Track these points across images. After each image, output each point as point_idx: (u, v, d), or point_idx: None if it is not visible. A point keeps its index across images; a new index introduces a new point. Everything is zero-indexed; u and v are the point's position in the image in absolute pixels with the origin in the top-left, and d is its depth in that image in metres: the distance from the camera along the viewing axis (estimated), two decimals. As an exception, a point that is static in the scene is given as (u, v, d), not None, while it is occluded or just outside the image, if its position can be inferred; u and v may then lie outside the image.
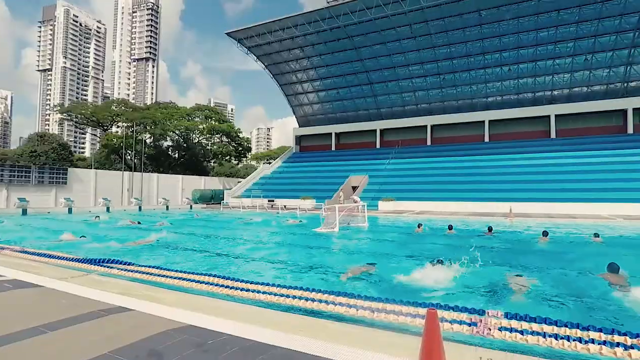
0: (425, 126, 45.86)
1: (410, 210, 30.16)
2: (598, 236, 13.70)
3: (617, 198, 26.22)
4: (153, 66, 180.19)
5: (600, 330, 4.11)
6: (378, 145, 48.50)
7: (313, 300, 5.72)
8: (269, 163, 60.01)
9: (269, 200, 36.77)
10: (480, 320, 4.48)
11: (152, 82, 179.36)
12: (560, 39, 37.20)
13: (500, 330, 4.28)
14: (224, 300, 5.78)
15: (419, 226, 17.52)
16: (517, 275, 7.88)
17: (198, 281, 6.74)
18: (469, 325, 4.46)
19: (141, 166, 44.72)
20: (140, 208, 33.59)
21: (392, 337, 4.10)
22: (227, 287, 6.32)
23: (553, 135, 39.29)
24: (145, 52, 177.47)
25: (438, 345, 2.58)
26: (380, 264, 9.38)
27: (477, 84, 43.60)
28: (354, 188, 38.35)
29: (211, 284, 6.51)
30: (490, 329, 4.27)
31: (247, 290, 6.18)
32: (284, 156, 54.25)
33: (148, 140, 60.51)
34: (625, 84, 38.16)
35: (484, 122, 42.56)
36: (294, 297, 5.88)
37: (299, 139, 55.26)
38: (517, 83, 42.01)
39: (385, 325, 4.85)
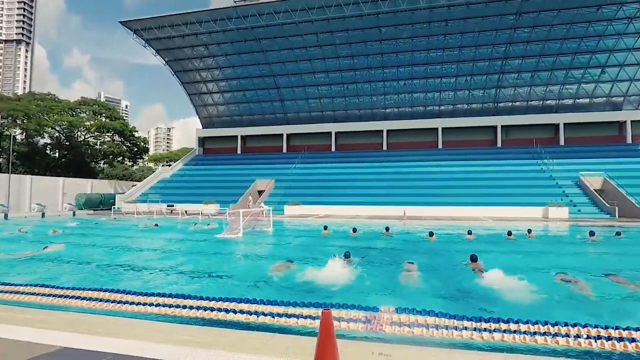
0: (330, 132, 47.64)
1: (315, 214, 30.93)
2: (470, 233, 16.17)
3: (489, 202, 30.37)
4: (27, 50, 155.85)
5: (471, 319, 4.65)
6: (285, 150, 48.87)
7: (212, 309, 5.46)
8: (169, 165, 56.27)
9: (168, 205, 34.37)
10: (374, 317, 4.74)
11: (25, 69, 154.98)
12: (446, 61, 41.97)
13: (391, 325, 4.58)
14: (107, 316, 5.17)
15: (325, 228, 18.17)
16: (409, 263, 9.56)
17: (76, 297, 5.93)
18: (364, 322, 4.69)
19: (8, 166, 38.14)
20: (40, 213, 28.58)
21: (290, 341, 4.09)
22: (110, 301, 5.68)
23: (440, 145, 44.01)
24: (17, 34, 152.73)
25: (332, 345, 2.63)
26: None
27: (377, 95, 46.78)
28: (260, 192, 38.00)
29: (91, 299, 5.78)
30: (382, 325, 4.53)
31: (136, 303, 5.63)
32: (185, 158, 51.36)
33: (19, 137, 52.01)
34: (496, 104, 44.62)
35: (382, 131, 45.82)
36: (192, 307, 5.53)
37: (202, 141, 52.88)
38: (411, 97, 46.18)
39: (287, 328, 4.83)
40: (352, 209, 31.53)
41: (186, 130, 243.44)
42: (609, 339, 4.58)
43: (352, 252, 10.10)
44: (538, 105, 43.58)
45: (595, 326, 4.66)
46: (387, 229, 17.86)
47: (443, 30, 38.97)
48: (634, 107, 41.05)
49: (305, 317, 4.95)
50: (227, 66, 47.36)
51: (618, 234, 16.81)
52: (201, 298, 5.87)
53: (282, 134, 49.19)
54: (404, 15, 37.01)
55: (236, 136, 50.70)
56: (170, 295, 6.16)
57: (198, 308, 5.48)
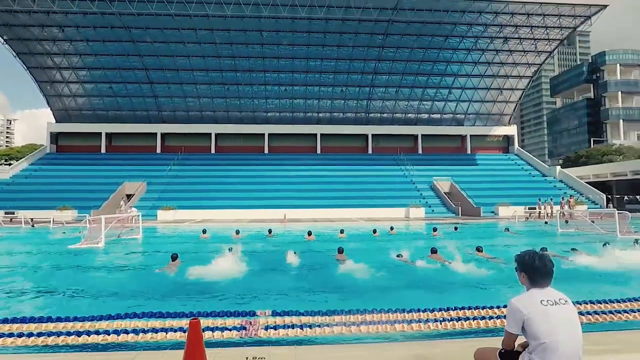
0: (210, 134, 45.84)
1: (192, 219, 29.28)
2: (342, 232, 17.72)
3: (361, 204, 33.08)
4: None
5: (340, 313, 4.96)
6: (159, 150, 45.18)
7: (59, 333, 4.67)
8: (9, 165, 46.74)
9: (6, 213, 28.44)
10: (250, 323, 4.69)
11: None
12: (324, 70, 44.34)
13: (267, 330, 4.59)
14: None
15: (203, 232, 17.58)
16: (339, 252, 10.79)
17: None
18: (239, 330, 4.59)
19: None
20: None
21: (158, 357, 3.77)
22: None
23: (319, 151, 46.25)
24: None
25: (200, 356, 2.50)
26: (149, 275, 8.68)
27: (258, 99, 46.82)
28: (129, 196, 34.29)
29: None
30: (257, 330, 4.50)
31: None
32: (32, 157, 43.28)
33: None
34: (367, 115, 48.93)
35: (264, 134, 46.02)
36: (32, 334, 4.65)
37: (56, 137, 45.28)
38: (292, 102, 47.51)
39: (153, 344, 4.43)
40: (233, 212, 30.82)
41: (35, 124, 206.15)
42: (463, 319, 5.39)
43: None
44: (402, 118, 49.27)
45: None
46: (269, 231, 18.44)
47: (321, 42, 41.07)
48: (472, 123, 49.61)
49: (176, 330, 4.62)
50: (89, 54, 41.63)
51: (455, 228, 20.39)
52: (46, 320, 4.98)
53: (156, 133, 45.38)
54: (285, 22, 37.81)
55: (100, 133, 44.88)
56: (5, 321, 5.08)
57: (40, 334, 4.63)
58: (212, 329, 4.58)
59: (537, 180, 40.19)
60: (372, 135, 47.29)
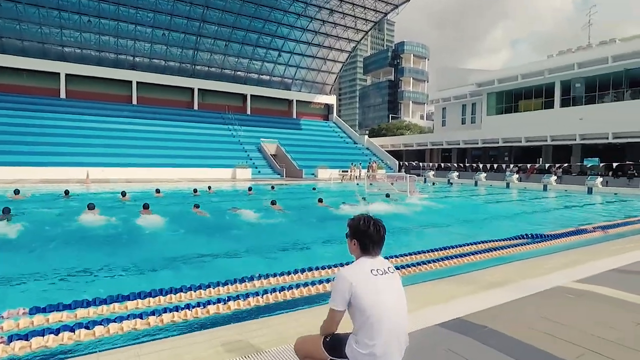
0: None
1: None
2: (159, 192, 17.15)
3: (185, 164, 30.52)
4: None
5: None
6: None
7: None
8: None
9: None
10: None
11: None
12: (141, 6, 37.74)
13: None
14: None
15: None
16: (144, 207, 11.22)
17: None
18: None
19: None
20: None
21: None
22: None
23: (135, 101, 40.12)
24: None
25: None
26: None
27: (50, 27, 36.65)
28: None
29: None
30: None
31: None
32: None
33: None
34: (193, 66, 44.79)
35: (58, 74, 36.80)
36: None
37: None
38: (99, 39, 39.12)
39: None
40: (13, 171, 23.80)
41: None
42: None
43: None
44: (231, 74, 47.07)
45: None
46: (66, 192, 15.79)
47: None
48: (298, 89, 51.62)
49: None
50: None
51: (272, 187, 21.63)
52: None
53: None
54: None
55: None
56: None
57: None
58: None
59: (350, 146, 45.28)
60: (199, 89, 43.81)
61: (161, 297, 4.52)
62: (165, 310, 4.05)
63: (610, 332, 3.51)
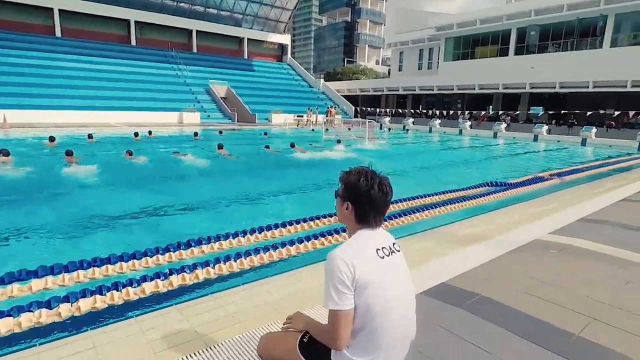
0: None
1: None
2: (91, 137, 15.75)
3: (124, 107, 27.64)
4: None
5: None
6: None
7: None
8: None
9: None
10: None
11: None
12: None
13: None
14: None
15: None
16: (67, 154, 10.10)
17: None
18: None
19: None
20: None
21: None
22: None
23: (59, 33, 34.78)
24: None
25: None
26: None
27: None
28: None
29: None
30: None
31: None
32: None
33: None
34: (129, -5, 39.32)
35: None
36: None
37: None
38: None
39: None
40: None
41: None
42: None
43: None
44: (173, 6, 42.05)
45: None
46: None
47: None
48: (250, 26, 47.71)
49: None
50: None
51: (220, 132, 20.38)
52: None
53: None
54: None
55: None
56: None
57: None
58: None
59: (305, 90, 43.53)
60: (136, 22, 38.88)
61: (81, 271, 3.62)
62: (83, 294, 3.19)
63: (606, 294, 3.19)
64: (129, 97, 29.27)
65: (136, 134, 16.72)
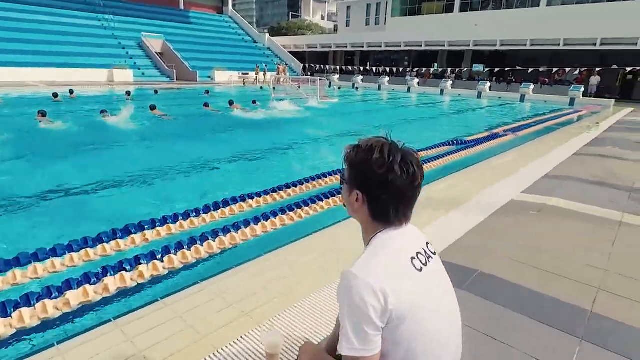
0: None
1: None
2: None
3: (43, 63, 24.09)
4: None
5: None
6: None
7: None
8: None
9: None
10: None
11: None
12: None
13: None
14: None
15: None
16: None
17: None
18: None
19: None
20: None
21: None
22: None
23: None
24: None
25: None
26: None
27: None
28: None
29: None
30: None
31: None
32: None
33: None
34: None
35: None
36: None
37: None
38: None
39: None
40: None
41: None
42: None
43: None
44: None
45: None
46: None
47: None
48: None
49: None
50: None
51: (155, 92, 18.80)
52: None
53: None
54: None
55: None
56: None
57: None
58: None
59: (250, 46, 40.97)
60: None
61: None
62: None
63: (601, 259, 3.05)
64: (49, 51, 25.54)
65: (55, 95, 14.66)
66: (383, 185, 1.08)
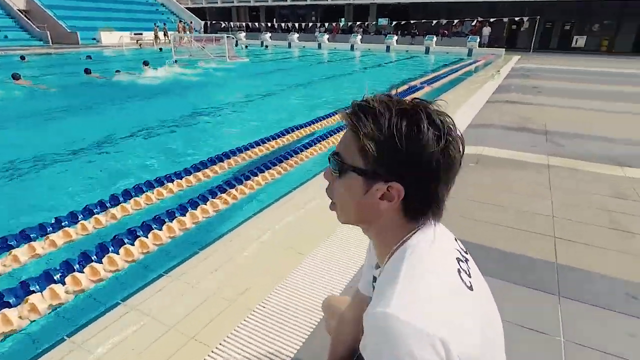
0: None
1: None
2: None
3: None
4: None
5: None
6: None
7: None
8: None
9: None
10: None
11: None
12: None
13: None
14: None
15: None
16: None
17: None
18: None
19: None
20: None
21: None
22: None
23: None
24: None
25: None
26: None
27: None
28: None
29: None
30: None
31: None
32: None
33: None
34: None
35: None
36: None
37: None
38: None
39: None
40: None
41: None
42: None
43: None
44: None
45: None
46: None
47: None
48: None
49: None
50: None
51: (22, 58, 16.03)
52: None
53: None
54: None
55: None
56: None
57: None
58: None
59: (139, 2, 36.10)
60: None
61: None
62: None
63: (544, 206, 3.10)
64: None
65: None
66: (436, 169, 0.69)
